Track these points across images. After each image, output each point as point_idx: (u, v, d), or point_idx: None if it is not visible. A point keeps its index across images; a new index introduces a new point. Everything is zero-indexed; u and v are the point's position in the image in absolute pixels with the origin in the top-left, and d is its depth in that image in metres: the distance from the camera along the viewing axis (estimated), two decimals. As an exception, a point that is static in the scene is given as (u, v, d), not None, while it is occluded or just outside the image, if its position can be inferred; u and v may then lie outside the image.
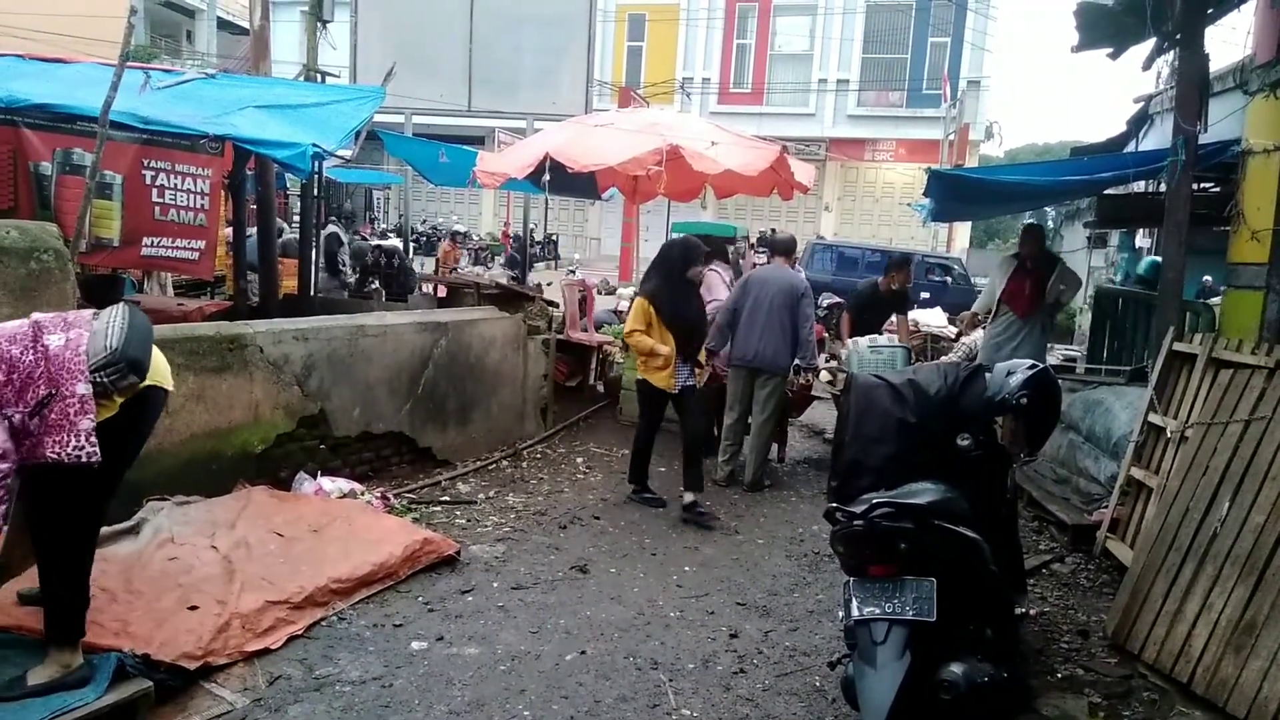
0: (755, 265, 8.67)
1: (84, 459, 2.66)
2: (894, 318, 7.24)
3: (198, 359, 4.44)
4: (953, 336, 10.87)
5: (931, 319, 12.02)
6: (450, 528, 4.81)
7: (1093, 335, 8.59)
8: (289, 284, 8.74)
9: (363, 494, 4.92)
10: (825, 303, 11.02)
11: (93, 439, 2.67)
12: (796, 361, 5.89)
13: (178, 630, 3.20)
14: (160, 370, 3.03)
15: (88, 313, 2.88)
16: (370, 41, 11.95)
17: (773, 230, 9.09)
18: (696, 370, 5.54)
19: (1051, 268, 6.87)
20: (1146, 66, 6.40)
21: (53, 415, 2.64)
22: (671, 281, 5.31)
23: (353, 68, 11.96)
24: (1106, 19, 5.72)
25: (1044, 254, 7.06)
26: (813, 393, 6.78)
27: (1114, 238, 15.30)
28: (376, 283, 11.22)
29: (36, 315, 2.82)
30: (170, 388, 3.09)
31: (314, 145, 5.27)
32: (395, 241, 12.79)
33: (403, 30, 11.99)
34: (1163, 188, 6.09)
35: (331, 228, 11.62)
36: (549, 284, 10.71)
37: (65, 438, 2.64)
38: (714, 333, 6.03)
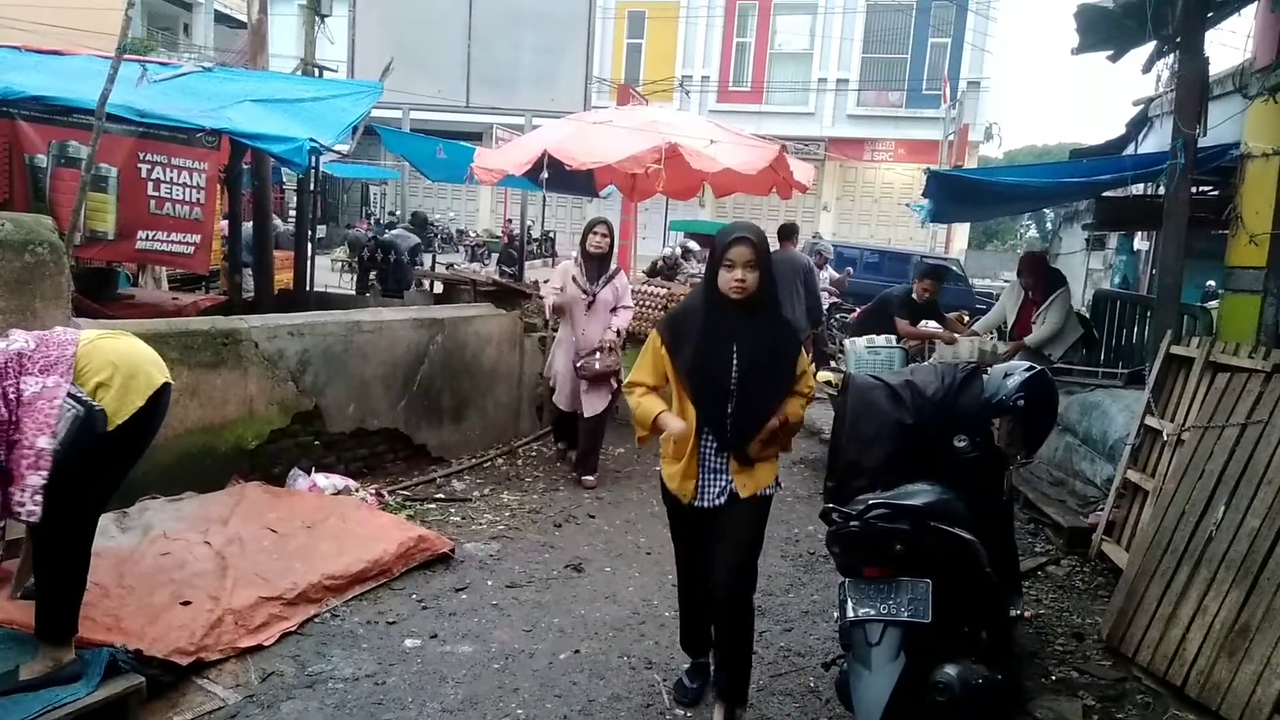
0: None
1: (23, 517, 2.54)
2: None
3: (192, 354, 4.42)
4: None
5: (923, 320, 12.00)
6: (445, 525, 4.80)
7: (1090, 338, 8.60)
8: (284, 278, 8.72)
9: (357, 491, 4.91)
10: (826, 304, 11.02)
11: (38, 498, 2.53)
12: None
13: (170, 626, 3.18)
14: (162, 364, 2.97)
15: (69, 345, 2.74)
16: (368, 36, 11.94)
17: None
18: (741, 473, 2.97)
19: (1054, 290, 6.59)
20: (1146, 69, 6.42)
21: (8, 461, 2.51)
22: (705, 298, 2.98)
23: (350, 62, 11.95)
24: (1107, 21, 5.72)
25: (1045, 281, 6.71)
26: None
27: (1112, 240, 15.32)
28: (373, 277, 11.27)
29: (18, 344, 2.67)
30: (170, 379, 3.02)
31: (311, 140, 5.26)
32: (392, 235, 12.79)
33: (401, 25, 11.98)
34: (1161, 190, 6.09)
35: (400, 230, 11.62)
36: (546, 281, 10.68)
37: (11, 490, 2.51)
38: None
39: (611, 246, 5.86)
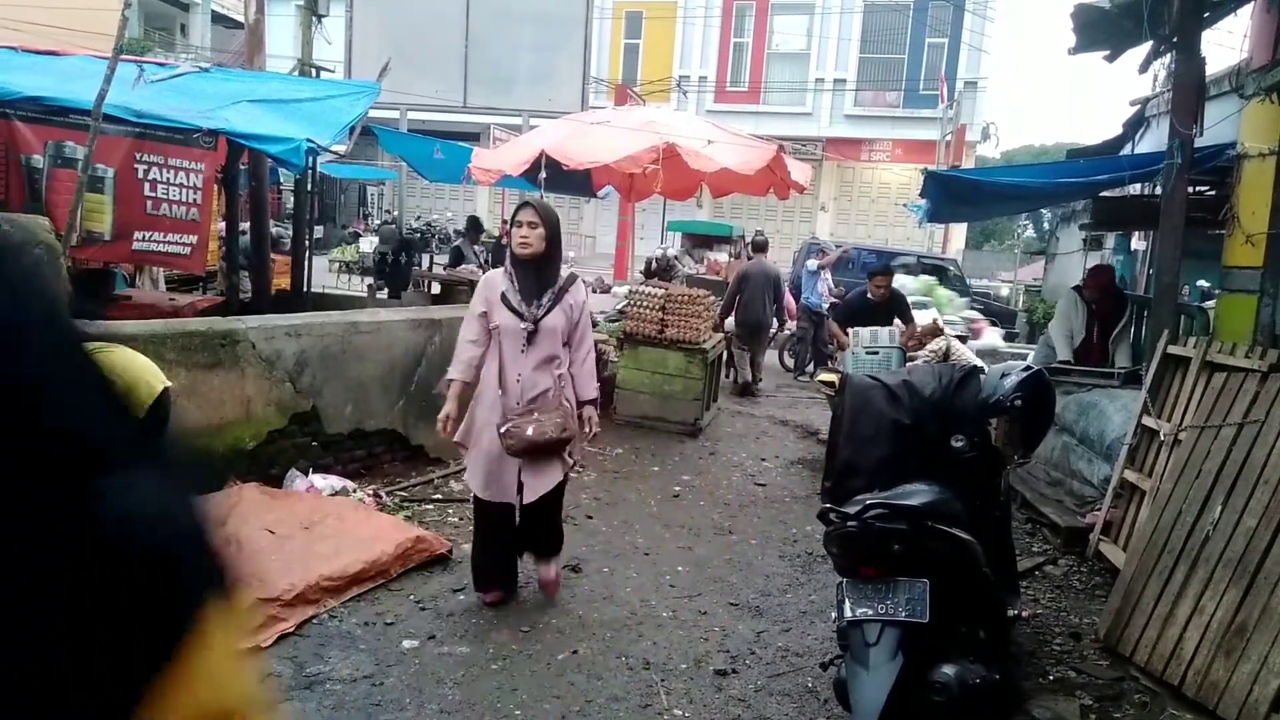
0: (743, 256, 11.23)
1: None
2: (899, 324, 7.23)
3: (189, 354, 4.42)
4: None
5: (926, 320, 12.02)
6: (443, 526, 4.80)
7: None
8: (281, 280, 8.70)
9: (355, 491, 4.90)
10: (824, 304, 11.05)
11: None
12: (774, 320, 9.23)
13: (167, 627, 3.17)
14: (158, 371, 3.01)
15: None
16: (366, 36, 11.93)
17: (758, 232, 10.95)
18: None
19: (1121, 309, 6.56)
20: (1143, 69, 6.41)
21: None
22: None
23: (348, 63, 11.94)
24: (1103, 21, 5.72)
25: (1113, 294, 6.72)
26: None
27: (1109, 240, 15.33)
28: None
29: None
30: (168, 383, 3.06)
31: (308, 140, 5.27)
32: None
33: (398, 25, 11.97)
34: (1158, 190, 6.09)
35: (461, 243, 11.37)
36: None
37: None
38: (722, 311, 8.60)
39: (550, 243, 3.71)
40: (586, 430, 3.89)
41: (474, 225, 11.89)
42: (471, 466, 3.84)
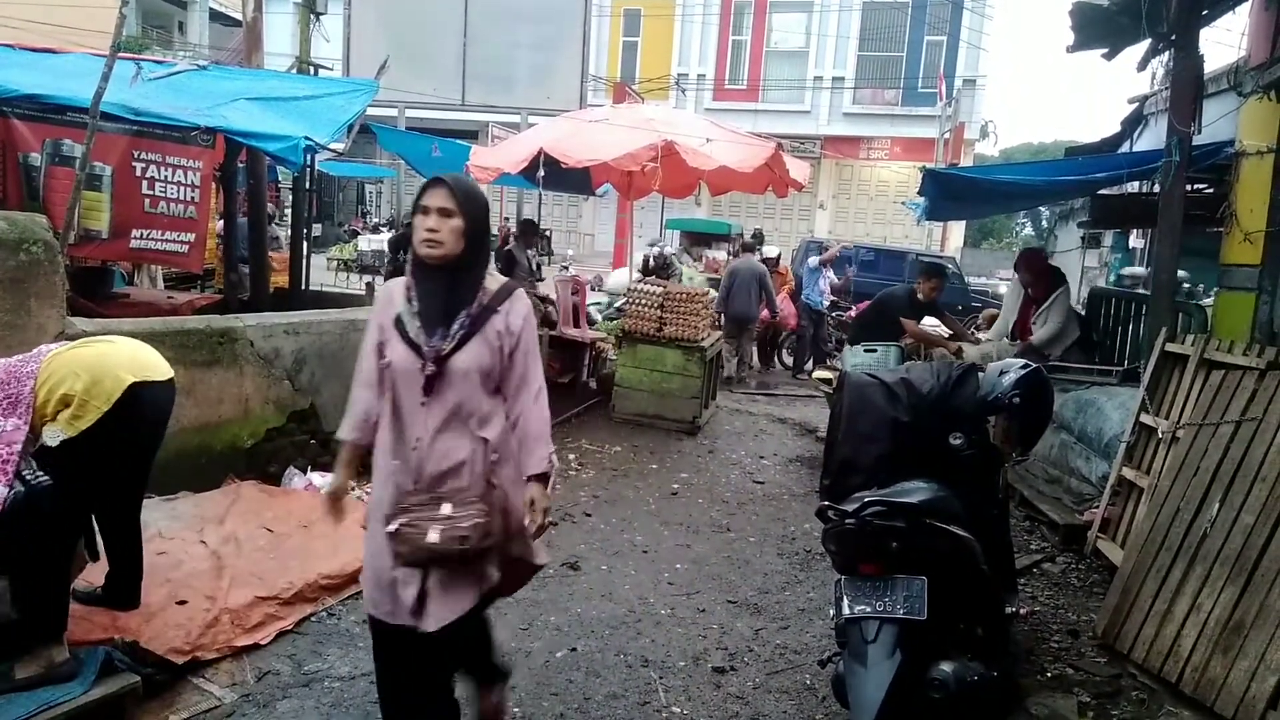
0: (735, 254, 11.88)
1: None
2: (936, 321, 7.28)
3: (187, 352, 4.41)
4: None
5: (925, 319, 12.02)
6: (441, 523, 4.80)
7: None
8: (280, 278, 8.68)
9: (353, 489, 4.90)
10: (825, 302, 11.04)
11: None
12: (764, 309, 10.00)
13: (166, 625, 3.18)
14: (146, 364, 2.97)
15: (28, 380, 2.72)
16: (364, 34, 11.93)
17: (755, 231, 11.70)
18: None
19: (1056, 289, 6.52)
20: (1141, 67, 6.40)
21: None
22: None
23: (346, 60, 11.95)
24: (1102, 19, 5.71)
25: (1044, 279, 6.62)
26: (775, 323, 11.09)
27: (1108, 238, 15.36)
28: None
29: None
30: (164, 376, 3.03)
31: (306, 138, 5.26)
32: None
33: (397, 23, 11.98)
34: (1157, 188, 6.10)
35: (510, 246, 10.06)
36: (541, 280, 10.64)
37: None
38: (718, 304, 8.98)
39: (471, 241, 2.40)
40: (529, 523, 2.45)
41: (529, 228, 10.30)
42: (365, 570, 2.56)
